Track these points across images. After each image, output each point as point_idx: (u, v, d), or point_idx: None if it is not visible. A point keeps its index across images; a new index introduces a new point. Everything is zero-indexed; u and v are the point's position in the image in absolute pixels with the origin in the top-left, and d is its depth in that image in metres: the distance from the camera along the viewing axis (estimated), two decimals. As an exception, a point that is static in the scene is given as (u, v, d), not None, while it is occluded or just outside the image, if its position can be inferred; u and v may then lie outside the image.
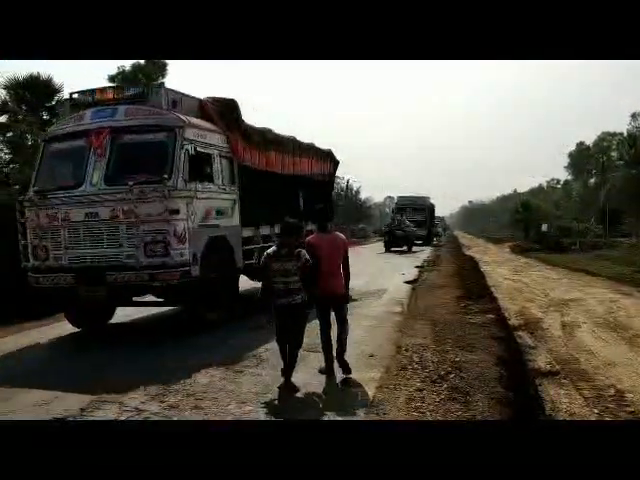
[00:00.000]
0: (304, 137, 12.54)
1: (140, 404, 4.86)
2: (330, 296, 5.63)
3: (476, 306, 10.20)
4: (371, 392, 5.15)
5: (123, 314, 9.48)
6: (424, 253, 28.32)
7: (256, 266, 8.19)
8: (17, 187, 14.10)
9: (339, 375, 5.61)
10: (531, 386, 5.79)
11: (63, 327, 8.69)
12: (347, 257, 5.78)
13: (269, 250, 5.54)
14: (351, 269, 5.84)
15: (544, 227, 35.94)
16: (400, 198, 44.14)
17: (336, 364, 5.65)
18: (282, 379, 5.38)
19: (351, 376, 5.57)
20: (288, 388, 5.28)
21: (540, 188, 75.17)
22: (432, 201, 48.36)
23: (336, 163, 14.77)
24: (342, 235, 6.12)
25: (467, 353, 6.51)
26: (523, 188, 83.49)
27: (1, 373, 6.08)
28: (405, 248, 30.21)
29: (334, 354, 5.65)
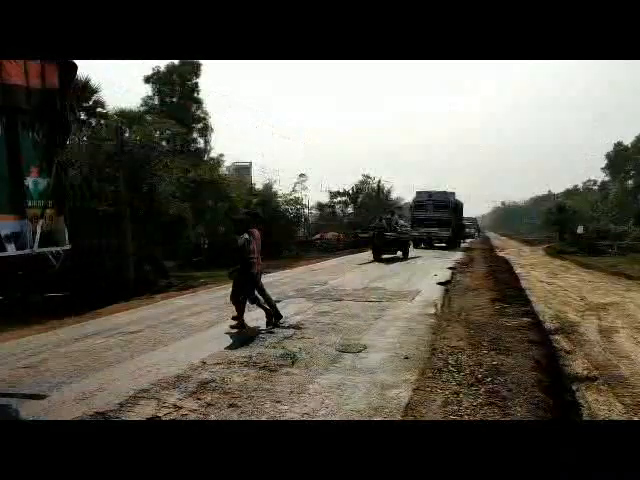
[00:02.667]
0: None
1: (177, 401, 4.92)
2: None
3: (511, 309, 10.06)
4: (407, 394, 5.11)
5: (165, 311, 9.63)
6: (456, 255, 27.90)
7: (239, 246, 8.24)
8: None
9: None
10: (568, 392, 5.68)
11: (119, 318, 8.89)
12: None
13: (247, 236, 8.04)
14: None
15: (580, 229, 35.15)
16: (419, 193, 36.99)
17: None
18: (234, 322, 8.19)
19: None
20: (242, 325, 8.12)
21: (576, 189, 73.68)
22: (459, 197, 40.75)
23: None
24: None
25: (504, 357, 6.42)
26: (558, 189, 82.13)
27: (52, 365, 6.22)
28: (399, 254, 24.30)
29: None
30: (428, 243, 34.14)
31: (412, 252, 25.85)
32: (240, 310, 8.21)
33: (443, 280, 14.77)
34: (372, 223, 27.08)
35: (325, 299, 11.33)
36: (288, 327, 8.25)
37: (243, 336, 7.67)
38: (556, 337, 8.25)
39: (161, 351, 6.83)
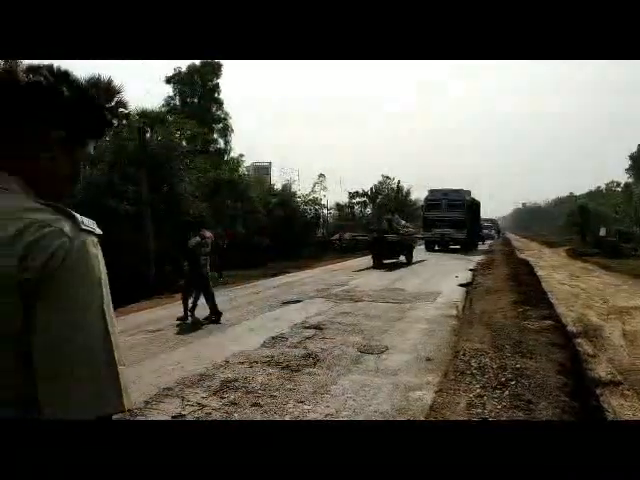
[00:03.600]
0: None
1: (201, 399, 4.96)
2: None
3: (533, 311, 9.96)
4: (430, 396, 5.09)
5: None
6: (477, 256, 27.66)
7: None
8: (78, 186, 14.68)
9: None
10: (592, 396, 5.62)
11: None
12: None
13: (197, 239, 8.88)
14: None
15: (602, 231, 34.61)
16: (432, 192, 33.73)
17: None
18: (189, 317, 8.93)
19: None
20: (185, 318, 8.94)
21: (598, 191, 72.71)
22: (475, 197, 37.68)
23: None
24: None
25: (527, 360, 6.35)
26: (581, 191, 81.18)
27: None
28: (402, 259, 21.73)
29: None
30: (443, 245, 31.55)
31: (419, 255, 23.79)
32: (188, 304, 9.08)
33: (464, 282, 14.69)
34: (371, 225, 25.28)
35: (345, 300, 11.33)
36: (309, 327, 8.27)
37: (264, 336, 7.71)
38: (579, 340, 8.16)
39: (184, 350, 6.89)
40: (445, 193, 32.62)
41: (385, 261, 20.37)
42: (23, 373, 0.92)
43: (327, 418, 4.53)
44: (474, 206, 35.46)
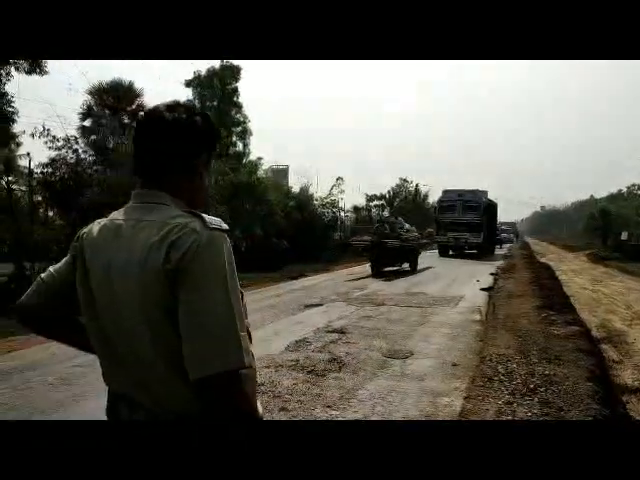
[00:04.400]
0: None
1: (230, 403, 4.96)
2: None
3: (558, 316, 9.84)
4: (459, 402, 5.05)
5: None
6: (497, 260, 27.39)
7: None
8: (98, 189, 14.83)
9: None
10: (619, 403, 5.53)
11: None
12: None
13: None
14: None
15: (624, 235, 34.10)
16: (446, 192, 31.34)
17: None
18: None
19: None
20: None
21: (619, 194, 71.74)
22: (493, 198, 35.35)
23: None
24: None
25: (555, 366, 6.28)
26: (602, 193, 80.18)
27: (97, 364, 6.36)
28: (407, 266, 19.62)
29: None
30: (458, 249, 29.76)
31: (424, 262, 21.56)
32: None
33: (486, 286, 14.57)
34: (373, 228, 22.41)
35: (367, 303, 11.30)
36: (333, 331, 8.25)
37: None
38: (603, 346, 8.05)
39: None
40: (460, 194, 30.06)
41: (386, 269, 18.35)
42: (175, 337, 1.22)
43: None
44: (491, 208, 33.13)
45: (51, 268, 1.52)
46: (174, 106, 1.39)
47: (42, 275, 1.52)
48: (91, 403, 4.92)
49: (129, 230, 1.30)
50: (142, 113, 1.45)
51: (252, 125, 31.22)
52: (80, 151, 16.97)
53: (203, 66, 30.59)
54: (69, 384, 5.56)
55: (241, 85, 30.47)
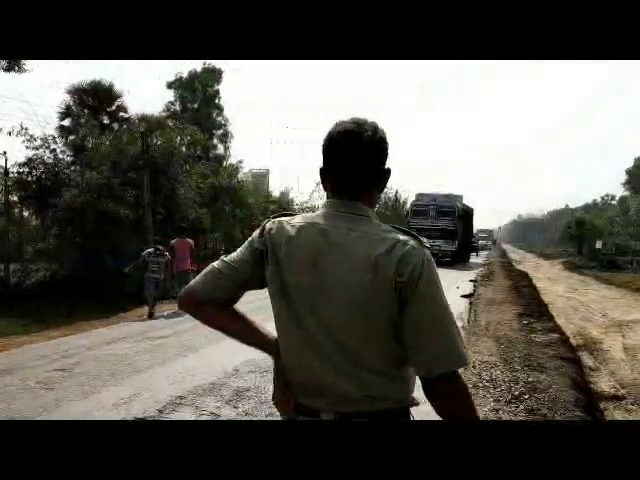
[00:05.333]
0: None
1: (215, 409, 4.90)
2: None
3: (538, 324, 9.96)
4: (445, 409, 5.04)
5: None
6: (477, 267, 27.53)
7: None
8: (77, 190, 14.60)
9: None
10: (596, 410, 5.60)
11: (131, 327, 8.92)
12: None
13: (149, 249, 11.22)
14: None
15: (599, 244, 34.69)
16: (419, 196, 29.50)
17: None
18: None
19: None
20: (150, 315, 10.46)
21: (594, 204, 72.95)
22: (467, 203, 33.07)
23: None
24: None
25: (538, 373, 6.34)
26: (576, 203, 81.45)
27: (85, 368, 6.24)
28: None
29: None
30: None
31: None
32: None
33: (466, 293, 14.66)
34: None
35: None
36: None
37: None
38: (580, 354, 8.15)
39: (192, 357, 6.83)
40: (433, 198, 28.37)
41: None
42: (394, 343, 1.42)
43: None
44: (466, 213, 31.31)
45: (227, 260, 1.57)
46: (362, 124, 1.50)
47: (216, 266, 1.57)
48: (74, 407, 4.83)
49: (341, 237, 1.44)
50: (337, 131, 1.51)
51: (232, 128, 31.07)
52: (58, 151, 16.73)
53: (185, 69, 30.39)
54: (51, 388, 5.44)
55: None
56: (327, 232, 1.45)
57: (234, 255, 1.58)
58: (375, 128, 1.51)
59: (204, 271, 1.57)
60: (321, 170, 1.56)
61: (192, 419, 4.61)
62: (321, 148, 1.54)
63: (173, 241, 12.05)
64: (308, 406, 1.50)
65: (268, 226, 1.54)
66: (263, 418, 4.70)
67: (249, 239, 1.58)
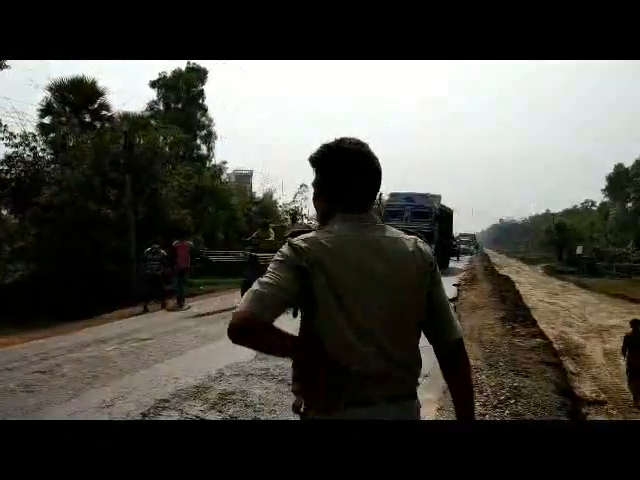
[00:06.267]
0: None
1: (200, 412, 4.82)
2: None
3: (521, 329, 10.01)
4: (432, 413, 5.02)
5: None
6: (459, 272, 27.55)
7: None
8: (57, 188, 14.39)
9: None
10: (578, 414, 5.62)
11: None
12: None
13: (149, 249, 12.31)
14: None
15: (579, 249, 35.13)
16: (393, 196, 26.90)
17: None
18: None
19: None
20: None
21: (574, 209, 73.82)
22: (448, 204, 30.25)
23: None
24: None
25: (523, 378, 6.35)
26: (557, 209, 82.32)
27: (66, 370, 6.12)
28: None
29: None
30: None
31: None
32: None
33: (450, 297, 14.69)
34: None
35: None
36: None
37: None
38: (561, 358, 8.20)
39: (176, 360, 6.73)
40: (409, 198, 25.73)
41: None
42: (418, 327, 1.72)
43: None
44: (445, 215, 28.57)
45: (267, 281, 1.56)
46: (364, 144, 1.74)
47: (260, 288, 1.55)
48: (55, 411, 4.72)
49: (378, 243, 1.66)
50: (366, 151, 1.72)
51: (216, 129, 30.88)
52: (38, 149, 16.49)
53: (168, 68, 30.13)
54: (31, 391, 5.32)
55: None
56: (366, 241, 1.65)
57: (272, 276, 1.57)
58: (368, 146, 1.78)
59: (249, 296, 1.54)
60: (338, 186, 1.71)
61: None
62: (334, 166, 1.70)
63: (175, 242, 13.05)
64: (366, 396, 1.60)
65: (301, 244, 1.61)
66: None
67: (279, 260, 1.61)
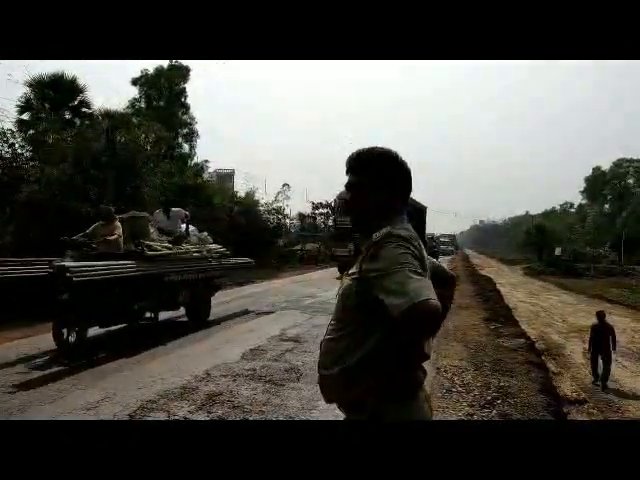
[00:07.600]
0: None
1: (188, 413, 4.77)
2: None
3: (505, 329, 10.10)
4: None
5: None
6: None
7: None
8: (37, 186, 14.12)
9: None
10: (560, 414, 5.67)
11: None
12: None
13: None
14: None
15: (558, 251, 35.55)
16: None
17: None
18: None
19: None
20: None
21: (553, 211, 74.73)
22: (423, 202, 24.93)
23: None
24: None
25: (509, 378, 6.41)
26: (536, 210, 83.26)
27: (54, 371, 6.01)
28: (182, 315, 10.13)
29: None
30: None
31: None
32: None
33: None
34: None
35: (319, 312, 11.22)
36: (288, 340, 8.13)
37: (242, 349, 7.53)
38: (542, 358, 8.27)
39: (162, 361, 6.64)
40: None
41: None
42: None
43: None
44: (416, 212, 21.91)
45: (416, 269, 1.55)
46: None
47: (424, 277, 1.55)
48: (41, 412, 4.63)
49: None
50: (393, 151, 1.87)
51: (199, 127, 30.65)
52: (17, 145, 16.19)
53: (151, 65, 29.81)
54: (14, 392, 5.21)
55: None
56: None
57: (415, 262, 1.58)
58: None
59: (421, 284, 1.49)
60: (404, 193, 1.91)
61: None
62: (402, 174, 1.88)
63: None
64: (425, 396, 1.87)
65: (412, 236, 1.71)
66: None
67: (404, 249, 1.60)
